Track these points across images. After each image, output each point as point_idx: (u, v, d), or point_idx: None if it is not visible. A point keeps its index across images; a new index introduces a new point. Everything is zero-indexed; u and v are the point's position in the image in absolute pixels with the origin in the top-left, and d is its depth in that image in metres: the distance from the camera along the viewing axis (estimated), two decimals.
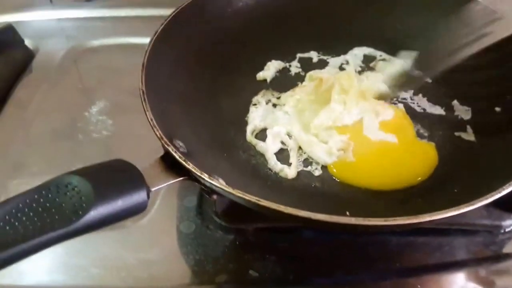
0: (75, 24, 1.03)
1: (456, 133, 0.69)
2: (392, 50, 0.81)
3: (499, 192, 0.48)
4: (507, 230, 0.63)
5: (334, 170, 0.66)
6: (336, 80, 0.71)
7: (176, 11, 0.71)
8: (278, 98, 0.76)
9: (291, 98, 0.74)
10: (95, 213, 0.44)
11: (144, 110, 0.56)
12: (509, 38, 0.66)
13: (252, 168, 0.66)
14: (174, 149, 0.52)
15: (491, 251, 0.62)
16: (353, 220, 0.45)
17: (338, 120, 0.68)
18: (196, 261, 0.61)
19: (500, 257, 0.62)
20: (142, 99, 0.57)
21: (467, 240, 0.63)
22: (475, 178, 0.59)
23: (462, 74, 0.73)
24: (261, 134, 0.70)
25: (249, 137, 0.70)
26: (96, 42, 0.98)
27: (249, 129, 0.71)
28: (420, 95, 0.75)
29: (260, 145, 0.68)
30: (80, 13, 1.05)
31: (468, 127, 0.69)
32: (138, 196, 0.47)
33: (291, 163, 0.66)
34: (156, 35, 0.66)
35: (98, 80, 0.89)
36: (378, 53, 0.82)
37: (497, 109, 0.68)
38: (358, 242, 0.62)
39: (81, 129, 0.79)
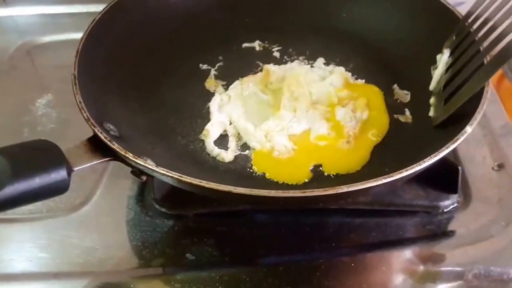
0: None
1: (395, 115, 0.70)
2: (339, 39, 0.81)
3: (413, 168, 0.49)
4: (445, 210, 0.64)
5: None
6: (286, 86, 0.71)
7: None
8: (224, 86, 0.75)
9: (238, 86, 0.74)
10: (10, 190, 0.44)
11: (74, 94, 0.56)
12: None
13: (190, 153, 0.66)
14: (101, 130, 0.52)
15: (427, 231, 0.63)
16: (272, 193, 0.45)
17: (287, 128, 0.68)
18: (133, 247, 0.61)
19: (436, 236, 0.62)
20: (73, 83, 0.57)
21: (404, 220, 0.63)
22: (405, 157, 0.60)
23: (400, 59, 0.74)
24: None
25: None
26: (46, 38, 0.97)
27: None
28: (360, 80, 0.75)
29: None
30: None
31: (406, 109, 0.70)
32: (57, 175, 0.47)
33: (228, 147, 0.66)
34: (93, 23, 0.66)
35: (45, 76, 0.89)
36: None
37: None
38: (297, 224, 0.63)
39: (27, 122, 0.79)
